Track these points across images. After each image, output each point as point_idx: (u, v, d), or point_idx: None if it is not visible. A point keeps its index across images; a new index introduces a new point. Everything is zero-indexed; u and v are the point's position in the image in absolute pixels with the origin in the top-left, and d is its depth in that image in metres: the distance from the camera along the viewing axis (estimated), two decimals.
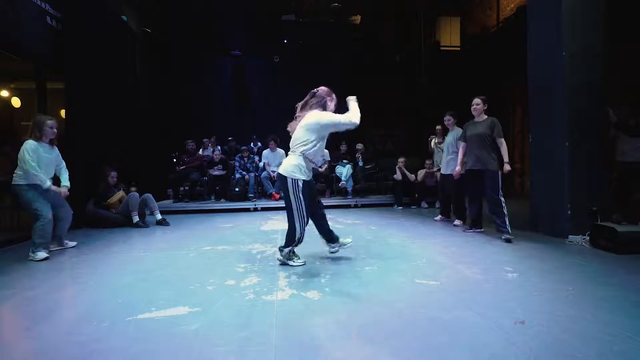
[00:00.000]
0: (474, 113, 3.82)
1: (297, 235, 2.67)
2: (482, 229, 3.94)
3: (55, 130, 3.27)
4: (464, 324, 1.75)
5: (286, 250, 2.78)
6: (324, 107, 2.68)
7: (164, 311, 1.97)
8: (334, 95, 2.75)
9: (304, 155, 2.61)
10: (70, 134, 4.71)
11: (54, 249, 3.38)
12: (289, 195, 2.59)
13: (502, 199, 3.56)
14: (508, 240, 3.44)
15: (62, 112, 4.91)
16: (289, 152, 2.71)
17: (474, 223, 3.97)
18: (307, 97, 2.73)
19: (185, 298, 2.15)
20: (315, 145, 2.62)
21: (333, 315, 1.89)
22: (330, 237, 2.94)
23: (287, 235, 2.75)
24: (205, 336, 1.68)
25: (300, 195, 2.57)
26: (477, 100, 3.79)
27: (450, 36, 9.72)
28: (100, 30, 5.24)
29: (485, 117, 3.77)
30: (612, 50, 3.93)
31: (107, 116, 5.29)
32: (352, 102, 2.67)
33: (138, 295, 2.21)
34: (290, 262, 2.78)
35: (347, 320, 1.82)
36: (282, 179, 2.61)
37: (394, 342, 1.60)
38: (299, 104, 2.76)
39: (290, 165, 2.59)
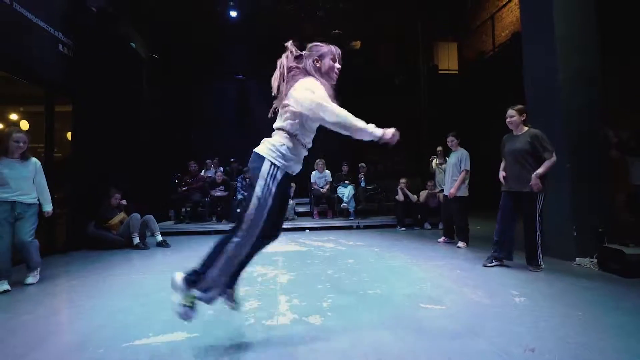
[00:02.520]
0: (510, 127, 3.33)
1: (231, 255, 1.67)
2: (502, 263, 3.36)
3: (22, 144, 2.96)
4: (471, 351, 1.69)
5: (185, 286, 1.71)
6: (307, 72, 1.76)
7: (161, 337, 1.91)
8: (327, 52, 1.79)
9: (294, 134, 1.71)
10: (76, 156, 4.78)
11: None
12: (254, 186, 1.64)
13: (539, 225, 3.12)
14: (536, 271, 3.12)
15: (69, 135, 5.00)
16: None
17: (500, 258, 3.34)
18: None
19: (183, 323, 2.09)
20: (304, 121, 1.71)
21: (334, 342, 1.83)
22: (233, 280, 1.91)
23: (208, 256, 1.72)
24: None
25: (273, 189, 1.64)
26: (509, 112, 3.27)
27: (448, 60, 10.01)
28: (109, 56, 5.43)
29: (526, 129, 3.25)
30: (610, 71, 4.01)
31: (112, 138, 5.38)
32: (374, 128, 1.72)
33: (136, 320, 2.16)
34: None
35: (349, 347, 1.76)
36: (256, 161, 1.69)
37: None
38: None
39: (271, 143, 1.70)
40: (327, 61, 1.78)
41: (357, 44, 9.95)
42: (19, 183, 2.97)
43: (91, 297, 2.64)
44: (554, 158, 3.08)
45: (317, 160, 6.67)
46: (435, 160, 5.85)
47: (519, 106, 3.29)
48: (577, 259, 3.43)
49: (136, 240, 4.58)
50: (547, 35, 3.79)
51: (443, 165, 5.41)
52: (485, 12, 8.99)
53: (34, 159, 3.12)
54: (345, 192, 6.59)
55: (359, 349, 1.75)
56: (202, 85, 9.07)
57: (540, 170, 3.05)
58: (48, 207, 3.17)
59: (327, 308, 2.32)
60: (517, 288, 2.66)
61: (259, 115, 9.62)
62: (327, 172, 6.86)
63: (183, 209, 6.49)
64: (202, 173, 7.04)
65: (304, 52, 1.81)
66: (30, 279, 3.04)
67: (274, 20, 8.72)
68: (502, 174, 3.39)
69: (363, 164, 7.18)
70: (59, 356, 1.73)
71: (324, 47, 1.79)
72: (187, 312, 1.68)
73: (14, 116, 6.23)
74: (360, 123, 1.62)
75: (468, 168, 4.34)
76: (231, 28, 8.59)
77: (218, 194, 6.44)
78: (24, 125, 6.33)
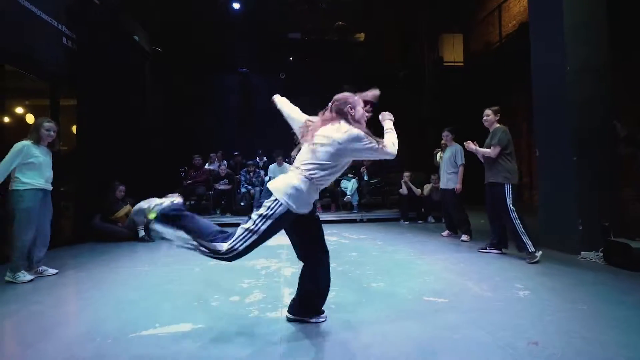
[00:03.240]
0: (485, 125, 3.60)
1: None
2: (501, 251, 3.56)
3: (52, 133, 3.11)
4: (475, 345, 1.70)
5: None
6: (346, 119, 1.83)
7: (167, 327, 1.94)
8: (355, 99, 1.88)
9: (311, 179, 1.74)
10: (80, 149, 4.81)
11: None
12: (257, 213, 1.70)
13: (514, 214, 3.27)
14: (532, 262, 3.15)
15: (74, 128, 5.03)
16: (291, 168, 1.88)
17: (493, 243, 3.57)
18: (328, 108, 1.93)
19: (189, 314, 2.12)
20: (333, 169, 1.79)
21: (338, 334, 1.84)
22: (311, 306, 1.96)
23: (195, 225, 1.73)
24: (209, 354, 1.65)
25: (265, 225, 1.67)
26: (487, 112, 3.58)
27: (453, 52, 9.85)
28: (113, 49, 5.43)
29: (496, 126, 3.53)
30: (618, 63, 3.93)
31: (116, 132, 5.41)
32: (389, 122, 1.96)
33: (142, 311, 2.19)
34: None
35: (352, 339, 1.77)
36: (266, 194, 1.75)
37: None
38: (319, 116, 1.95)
39: (287, 185, 1.72)
40: (359, 109, 1.90)
41: (361, 37, 9.84)
42: (48, 171, 3.09)
43: (98, 289, 2.68)
44: (492, 151, 3.39)
45: None
46: (439, 153, 5.80)
47: (495, 107, 3.58)
48: (582, 252, 3.41)
49: (142, 232, 4.63)
50: (556, 25, 3.72)
51: None
52: (492, 2, 8.80)
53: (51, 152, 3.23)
54: (349, 185, 6.59)
55: (361, 341, 1.76)
56: (205, 78, 9.04)
57: (472, 146, 3.49)
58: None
59: (330, 301, 2.33)
60: (521, 282, 2.65)
61: (262, 109, 9.63)
62: None
63: (187, 202, 6.53)
64: (206, 166, 7.07)
65: (333, 104, 1.91)
66: (51, 270, 3.11)
67: (277, 13, 8.64)
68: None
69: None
70: (67, 346, 1.77)
71: (353, 97, 1.90)
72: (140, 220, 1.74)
73: (19, 110, 6.27)
74: (394, 135, 1.90)
75: (463, 162, 4.47)
76: (234, 21, 8.53)
77: (222, 187, 6.46)
78: (30, 119, 6.36)
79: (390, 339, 1.78)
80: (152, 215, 1.69)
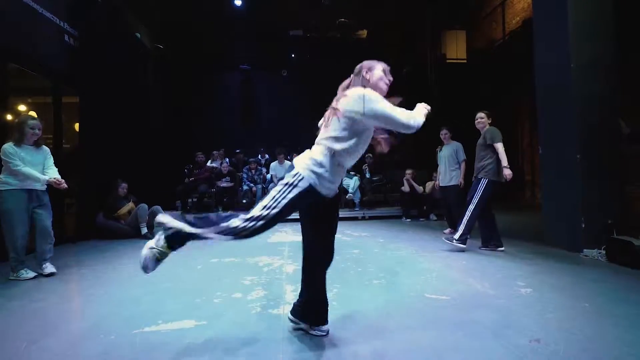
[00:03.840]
0: (477, 127, 3.76)
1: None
2: (501, 248, 3.58)
3: (37, 131, 2.97)
4: (476, 342, 1.69)
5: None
6: (361, 84, 1.69)
7: (170, 324, 1.95)
8: (374, 63, 1.73)
9: (333, 152, 1.58)
10: (83, 147, 4.83)
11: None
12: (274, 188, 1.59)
13: (472, 207, 3.49)
14: (448, 240, 3.58)
15: (76, 126, 5.04)
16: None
17: (485, 240, 3.67)
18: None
19: (191, 311, 2.13)
20: (351, 142, 1.59)
21: (340, 330, 1.85)
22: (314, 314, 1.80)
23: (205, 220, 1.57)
24: (212, 350, 1.65)
25: (286, 200, 1.51)
26: (481, 115, 3.73)
27: (456, 49, 9.80)
28: (115, 47, 5.43)
29: (490, 128, 3.69)
30: (624, 60, 3.89)
31: (119, 129, 5.42)
32: (421, 109, 1.76)
33: (145, 308, 2.21)
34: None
35: (355, 337, 1.77)
36: (290, 169, 1.63)
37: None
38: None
39: (309, 158, 1.59)
40: (377, 72, 1.73)
41: (363, 33, 9.79)
42: (38, 170, 2.97)
43: (101, 286, 2.70)
44: (501, 149, 3.51)
45: None
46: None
47: (487, 112, 3.75)
48: (585, 250, 3.39)
49: (144, 230, 4.65)
50: (560, 22, 3.68)
51: None
52: None
53: (45, 147, 3.15)
54: (351, 183, 6.58)
55: (363, 337, 1.76)
56: (207, 75, 9.03)
57: (505, 162, 3.46)
58: (57, 175, 3.06)
59: (333, 297, 2.33)
60: (523, 279, 2.64)
61: (265, 106, 9.63)
62: None
63: (189, 200, 6.55)
64: (208, 164, 7.08)
65: (352, 77, 1.75)
66: (50, 268, 3.04)
67: (279, 9, 8.60)
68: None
69: (370, 155, 7.14)
70: (71, 342, 1.78)
71: (373, 62, 1.75)
72: (152, 261, 1.59)
73: (22, 107, 6.29)
74: (423, 115, 1.72)
75: (465, 158, 4.56)
76: (236, 18, 8.50)
77: (224, 184, 6.47)
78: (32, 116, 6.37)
79: (392, 336, 1.78)
80: (165, 250, 1.58)
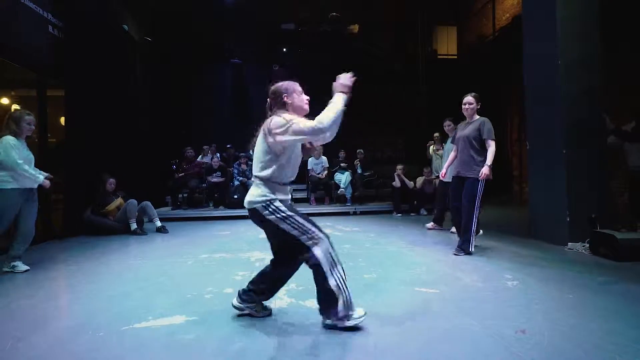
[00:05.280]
0: (465, 114, 3.43)
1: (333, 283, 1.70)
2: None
3: (33, 127, 2.99)
4: (464, 333, 1.73)
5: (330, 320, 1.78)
6: (285, 108, 1.82)
7: (160, 320, 1.94)
8: (293, 87, 1.84)
9: (266, 180, 1.76)
10: (69, 141, 4.72)
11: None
12: (274, 225, 1.73)
13: (477, 212, 3.16)
14: (461, 253, 3.22)
15: (62, 120, 4.92)
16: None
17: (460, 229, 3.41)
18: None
19: (182, 307, 2.13)
20: (276, 167, 1.75)
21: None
22: (269, 292, 1.98)
23: (321, 300, 1.76)
24: (203, 346, 1.65)
25: (289, 212, 1.73)
26: (468, 99, 3.36)
27: (447, 45, 9.85)
28: (101, 38, 5.29)
29: (477, 117, 3.38)
30: (610, 55, 3.96)
31: (106, 123, 5.30)
32: (337, 96, 1.71)
33: (134, 304, 2.19)
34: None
35: (345, 331, 1.79)
36: (252, 213, 1.78)
37: (394, 351, 1.58)
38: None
39: (254, 194, 1.76)
40: (296, 94, 1.85)
41: (355, 28, 9.75)
42: (30, 166, 2.96)
43: (90, 282, 2.66)
44: (492, 148, 3.19)
45: None
46: (432, 146, 5.84)
47: (476, 94, 3.38)
48: (569, 243, 3.49)
49: (133, 226, 4.59)
50: (548, 18, 3.73)
51: (440, 152, 5.40)
52: None
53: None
54: (342, 178, 6.60)
55: (354, 332, 1.78)
56: (197, 69, 8.89)
57: (489, 162, 3.15)
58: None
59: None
60: (510, 272, 2.71)
61: (256, 100, 9.53)
62: (324, 158, 6.84)
63: (180, 195, 6.48)
64: (199, 159, 7.00)
65: (270, 100, 1.88)
66: (23, 266, 2.97)
67: (271, 3, 8.49)
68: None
69: (361, 150, 7.16)
70: (60, 339, 1.76)
71: (288, 84, 1.85)
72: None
73: (4, 100, 6.10)
74: (336, 108, 1.68)
75: None
76: (228, 11, 8.36)
77: (215, 180, 6.42)
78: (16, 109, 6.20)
79: (383, 329, 1.80)
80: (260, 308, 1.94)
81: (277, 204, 1.74)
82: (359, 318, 1.77)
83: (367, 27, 9.66)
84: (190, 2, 8.04)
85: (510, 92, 8.04)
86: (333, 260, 1.73)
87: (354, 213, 6.38)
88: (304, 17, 9.11)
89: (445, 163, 3.87)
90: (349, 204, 6.57)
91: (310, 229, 1.73)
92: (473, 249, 3.23)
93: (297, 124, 1.65)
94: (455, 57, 9.78)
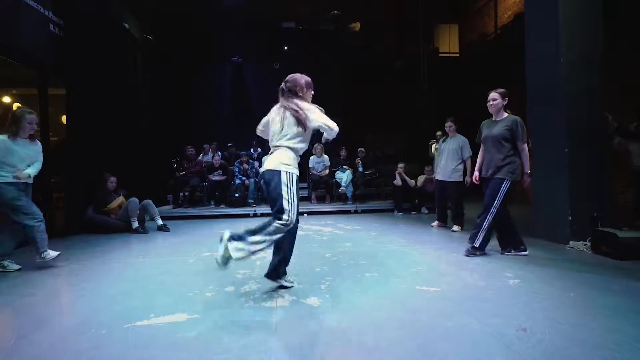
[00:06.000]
0: (490, 111, 3.19)
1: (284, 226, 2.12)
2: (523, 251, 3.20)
3: (34, 125, 3.04)
4: (465, 332, 1.74)
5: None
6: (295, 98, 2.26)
7: (162, 318, 1.95)
8: (308, 83, 2.30)
9: (294, 150, 2.22)
10: (70, 140, 4.72)
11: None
12: (280, 187, 2.12)
13: (495, 212, 3.02)
14: (469, 254, 3.14)
15: (63, 118, 4.93)
16: (272, 150, 2.27)
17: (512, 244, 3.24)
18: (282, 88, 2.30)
19: (184, 305, 2.13)
20: (302, 138, 2.23)
21: (332, 323, 1.87)
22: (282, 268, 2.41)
23: (279, 258, 2.35)
24: (204, 343, 1.66)
25: (295, 189, 2.16)
26: (492, 95, 3.12)
27: (448, 43, 9.82)
28: (102, 37, 5.29)
29: (506, 115, 3.13)
30: (612, 53, 3.94)
31: (108, 122, 5.31)
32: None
33: (136, 302, 2.20)
34: (283, 282, 2.40)
35: (347, 328, 1.80)
36: (271, 174, 2.16)
37: (394, 349, 1.58)
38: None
39: (282, 159, 2.17)
40: (308, 90, 2.32)
41: (356, 26, 9.72)
42: (20, 163, 2.97)
43: (91, 280, 2.67)
44: (525, 150, 3.04)
45: (316, 145, 6.64)
46: (434, 145, 5.83)
47: (502, 90, 3.14)
48: (571, 242, 3.48)
49: (135, 224, 4.60)
50: (550, 17, 3.71)
51: None
52: None
53: (39, 143, 3.16)
54: (343, 176, 6.59)
55: (355, 330, 1.79)
56: (198, 68, 8.89)
57: (528, 168, 3.05)
58: (32, 171, 3.03)
59: (325, 290, 2.36)
60: (511, 271, 2.70)
61: (256, 99, 9.52)
62: (326, 157, 6.83)
63: (181, 194, 6.49)
64: (200, 157, 7.00)
65: (285, 85, 2.29)
66: (14, 265, 3.02)
67: (272, 1, 8.47)
68: (476, 173, 3.33)
69: (362, 149, 7.15)
70: (62, 337, 1.77)
71: (302, 79, 2.29)
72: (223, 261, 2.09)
73: (6, 99, 6.12)
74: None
75: (471, 154, 4.33)
76: (228, 9, 8.34)
77: (216, 178, 6.42)
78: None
79: (384, 327, 1.81)
80: (227, 252, 2.06)
81: (295, 178, 2.17)
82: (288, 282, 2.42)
83: (368, 26, 9.63)
84: (190, 2, 8.03)
85: (512, 90, 8.02)
86: (276, 236, 2.13)
87: (355, 211, 6.38)
88: (305, 15, 9.08)
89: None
90: (350, 203, 6.57)
91: (293, 208, 2.13)
92: (478, 244, 3.11)
93: (322, 116, 2.18)
94: (457, 55, 9.75)
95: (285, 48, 9.38)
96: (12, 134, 2.93)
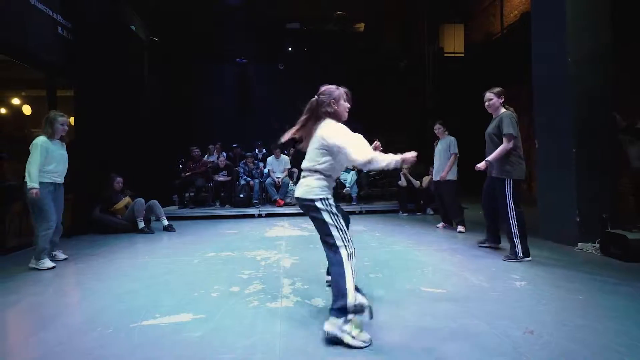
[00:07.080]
0: (488, 110, 3.25)
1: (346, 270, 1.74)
2: (498, 245, 3.38)
3: (66, 127, 3.24)
4: (471, 333, 1.72)
5: (340, 319, 1.68)
6: (332, 115, 1.91)
7: (168, 318, 1.96)
8: (341, 94, 1.93)
9: (323, 174, 1.87)
10: (78, 141, 4.78)
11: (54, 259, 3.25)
12: (321, 216, 1.80)
13: (514, 213, 2.98)
14: (510, 260, 3.01)
15: (72, 119, 4.99)
16: (302, 175, 1.96)
17: (490, 237, 3.43)
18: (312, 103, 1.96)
19: (189, 305, 2.14)
20: (331, 164, 1.87)
21: None
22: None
23: (333, 288, 1.76)
24: (209, 343, 1.67)
25: (335, 211, 1.84)
26: (487, 95, 3.20)
27: (454, 43, 9.75)
28: (109, 39, 5.35)
29: (502, 111, 3.16)
30: (619, 52, 3.88)
31: (115, 123, 5.37)
32: (395, 156, 1.83)
33: (142, 302, 2.21)
34: (346, 337, 1.64)
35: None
36: (307, 204, 1.84)
37: (399, 351, 1.58)
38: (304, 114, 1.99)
39: (313, 186, 1.85)
40: (342, 102, 1.94)
41: (361, 27, 9.71)
42: (61, 164, 3.21)
43: (98, 280, 2.70)
44: (506, 145, 2.99)
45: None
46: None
47: (497, 89, 3.19)
48: (579, 244, 3.43)
49: (141, 224, 4.64)
50: (557, 16, 3.67)
51: None
52: None
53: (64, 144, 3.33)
54: (348, 177, 6.58)
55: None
56: (203, 69, 8.95)
57: (491, 157, 3.06)
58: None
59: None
60: (518, 272, 2.68)
61: (261, 100, 9.55)
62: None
63: (186, 194, 6.53)
64: (205, 158, 7.05)
65: (318, 97, 1.94)
66: (63, 255, 3.35)
67: (275, 2, 8.50)
68: (484, 163, 3.20)
69: None
70: (69, 335, 1.79)
71: (336, 90, 1.93)
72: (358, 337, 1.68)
73: (16, 100, 6.21)
74: (388, 160, 1.79)
75: (457, 152, 4.50)
76: (232, 11, 8.39)
77: (221, 178, 6.46)
78: (27, 109, 6.32)
79: (389, 328, 1.80)
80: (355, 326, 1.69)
81: (331, 201, 1.85)
82: (362, 341, 1.65)
83: (372, 26, 9.62)
84: (195, 2, 8.08)
85: (518, 90, 7.94)
86: (351, 268, 1.77)
87: (360, 212, 6.36)
88: (309, 16, 9.09)
89: (440, 166, 3.60)
90: (354, 203, 6.55)
91: (346, 234, 1.82)
92: (522, 254, 2.97)
93: (360, 145, 1.79)
94: (462, 55, 9.68)
95: (290, 49, 9.41)
96: (49, 135, 3.14)
